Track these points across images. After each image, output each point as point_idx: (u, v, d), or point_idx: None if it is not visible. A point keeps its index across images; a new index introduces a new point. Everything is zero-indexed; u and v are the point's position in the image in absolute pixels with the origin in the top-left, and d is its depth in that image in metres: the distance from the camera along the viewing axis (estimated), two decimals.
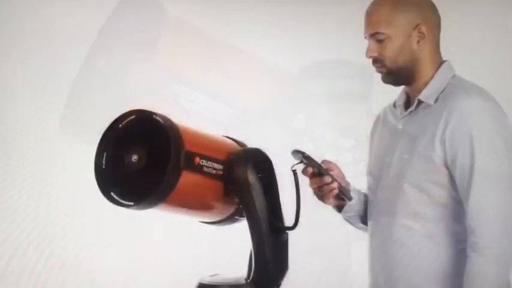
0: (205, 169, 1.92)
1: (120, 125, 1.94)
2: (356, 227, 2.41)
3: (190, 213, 2.06)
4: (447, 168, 2.11)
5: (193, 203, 2.00)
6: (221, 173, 1.97)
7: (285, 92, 4.16)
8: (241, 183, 1.97)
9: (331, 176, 2.21)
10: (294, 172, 2.12)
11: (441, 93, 2.18)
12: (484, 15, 3.92)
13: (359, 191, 2.37)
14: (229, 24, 4.16)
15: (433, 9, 2.23)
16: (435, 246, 2.14)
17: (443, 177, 2.12)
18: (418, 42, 2.19)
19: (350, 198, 2.26)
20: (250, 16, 4.18)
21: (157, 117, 1.87)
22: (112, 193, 1.90)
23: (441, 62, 2.24)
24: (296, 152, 2.18)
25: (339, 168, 2.28)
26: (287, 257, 2.07)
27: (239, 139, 2.17)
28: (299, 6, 4.13)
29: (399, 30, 2.17)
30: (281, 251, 2.05)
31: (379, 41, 2.18)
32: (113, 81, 4.10)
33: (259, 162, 2.04)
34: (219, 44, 4.09)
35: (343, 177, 2.30)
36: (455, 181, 2.11)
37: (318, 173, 2.20)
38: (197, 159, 1.90)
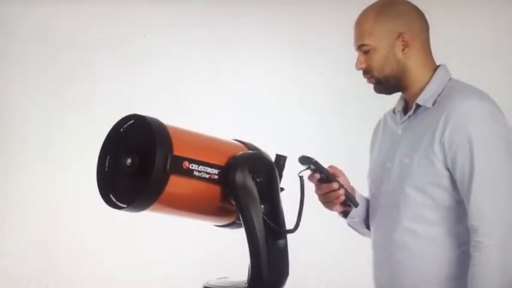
0: (196, 173, 1.94)
1: (122, 129, 2.00)
2: (360, 233, 2.41)
3: (190, 216, 2.09)
4: (448, 170, 2.11)
5: (189, 206, 2.02)
6: (216, 177, 1.98)
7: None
8: (235, 187, 1.97)
9: (338, 183, 2.20)
10: (301, 178, 2.12)
11: (438, 96, 2.18)
12: (483, 16, 3.81)
13: (362, 196, 2.37)
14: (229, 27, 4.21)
15: (418, 16, 2.23)
16: (438, 249, 2.14)
17: (445, 179, 2.11)
18: (403, 50, 2.20)
19: (356, 205, 2.25)
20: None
21: (148, 122, 1.91)
22: (111, 195, 1.96)
23: (436, 66, 2.24)
24: (304, 158, 2.17)
25: (344, 174, 2.29)
26: (287, 262, 2.05)
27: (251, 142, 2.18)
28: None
29: (382, 41, 2.19)
30: (280, 256, 2.03)
31: (366, 53, 2.21)
32: (117, 85, 4.19)
33: (259, 166, 2.03)
34: None
35: (349, 183, 2.31)
36: (456, 182, 2.10)
37: (325, 179, 2.20)
38: (186, 164, 1.92)
